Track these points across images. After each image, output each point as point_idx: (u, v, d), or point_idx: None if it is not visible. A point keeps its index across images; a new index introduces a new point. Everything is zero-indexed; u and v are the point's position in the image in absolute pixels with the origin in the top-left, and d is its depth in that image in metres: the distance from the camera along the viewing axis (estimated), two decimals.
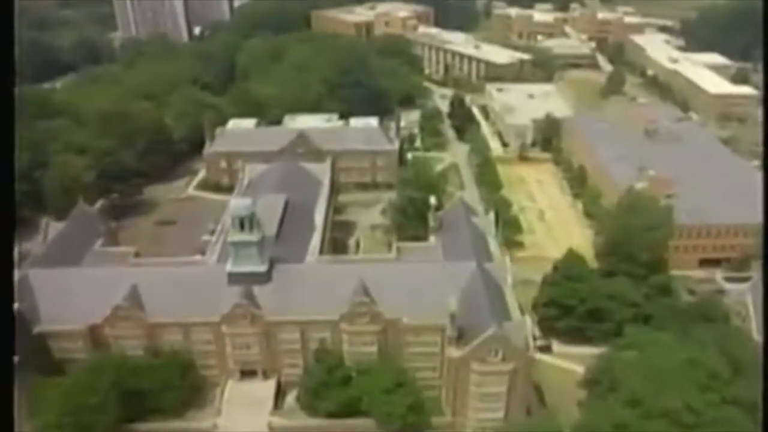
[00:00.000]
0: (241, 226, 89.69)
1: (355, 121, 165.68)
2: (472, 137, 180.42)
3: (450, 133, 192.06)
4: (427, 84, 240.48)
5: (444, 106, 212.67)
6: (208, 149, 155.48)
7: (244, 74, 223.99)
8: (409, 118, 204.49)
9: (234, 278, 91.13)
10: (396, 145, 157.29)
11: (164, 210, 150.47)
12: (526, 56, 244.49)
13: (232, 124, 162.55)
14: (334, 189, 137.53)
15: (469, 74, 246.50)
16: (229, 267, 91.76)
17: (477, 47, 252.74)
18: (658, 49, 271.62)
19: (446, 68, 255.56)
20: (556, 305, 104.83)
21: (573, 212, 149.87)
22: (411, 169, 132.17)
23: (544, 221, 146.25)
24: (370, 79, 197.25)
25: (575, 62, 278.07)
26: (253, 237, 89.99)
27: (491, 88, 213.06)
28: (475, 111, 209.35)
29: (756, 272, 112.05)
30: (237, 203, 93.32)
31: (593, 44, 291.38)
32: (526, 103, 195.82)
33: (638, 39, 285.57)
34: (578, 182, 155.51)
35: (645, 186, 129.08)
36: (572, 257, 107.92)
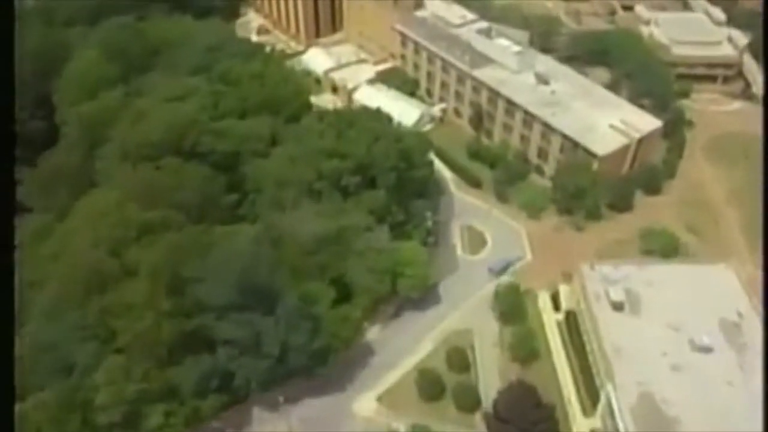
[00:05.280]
0: None
1: None
2: None
3: None
4: (439, 169, 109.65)
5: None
6: None
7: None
8: None
9: None
10: None
11: None
12: (652, 121, 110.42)
13: None
14: None
15: (524, 151, 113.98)
16: None
17: (544, 83, 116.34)
18: None
19: (478, 122, 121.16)
20: None
21: None
22: None
23: None
24: None
25: (708, 73, 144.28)
26: None
27: (601, 282, 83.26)
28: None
29: None
30: None
31: (741, 36, 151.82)
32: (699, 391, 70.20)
33: None
34: None
35: None
36: None
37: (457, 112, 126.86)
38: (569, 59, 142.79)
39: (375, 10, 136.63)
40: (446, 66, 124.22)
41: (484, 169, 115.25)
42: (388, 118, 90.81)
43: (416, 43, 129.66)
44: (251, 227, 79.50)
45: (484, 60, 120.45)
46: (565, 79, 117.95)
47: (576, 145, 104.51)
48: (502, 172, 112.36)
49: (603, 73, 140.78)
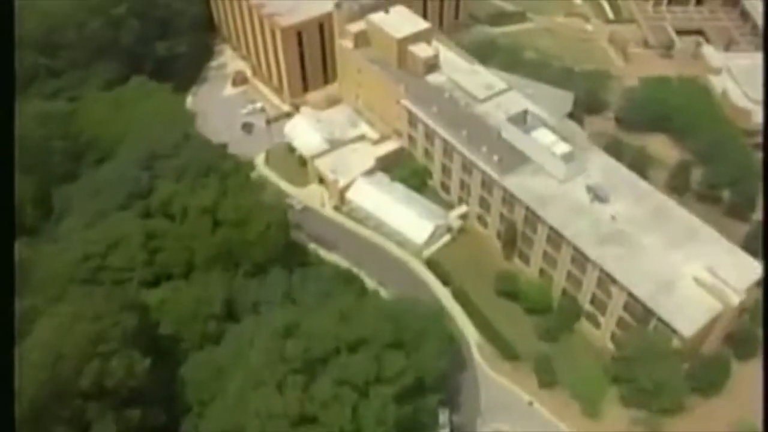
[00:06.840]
0: None
1: None
2: None
3: None
4: (457, 320, 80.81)
5: None
6: None
7: None
8: None
9: None
10: None
11: None
12: (752, 266, 78.79)
13: None
14: None
15: (572, 290, 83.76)
16: None
17: (601, 201, 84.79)
18: None
19: (510, 242, 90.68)
20: None
21: None
22: None
23: None
24: None
25: None
26: None
27: None
28: None
29: None
30: None
31: None
32: None
33: None
34: None
35: None
36: None
37: (482, 220, 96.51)
38: (622, 123, 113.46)
39: (375, 75, 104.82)
40: (467, 164, 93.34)
41: (518, 313, 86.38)
42: (391, 344, 60.10)
43: (427, 126, 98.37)
44: None
45: (518, 160, 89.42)
46: (628, 192, 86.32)
47: (648, 310, 74.52)
48: (543, 325, 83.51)
49: (665, 145, 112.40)
